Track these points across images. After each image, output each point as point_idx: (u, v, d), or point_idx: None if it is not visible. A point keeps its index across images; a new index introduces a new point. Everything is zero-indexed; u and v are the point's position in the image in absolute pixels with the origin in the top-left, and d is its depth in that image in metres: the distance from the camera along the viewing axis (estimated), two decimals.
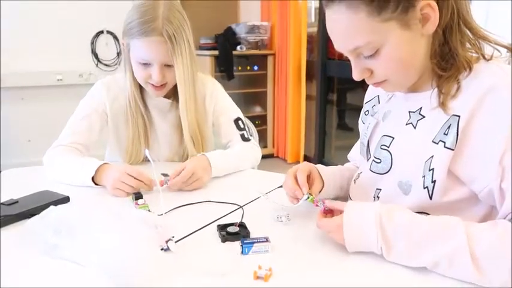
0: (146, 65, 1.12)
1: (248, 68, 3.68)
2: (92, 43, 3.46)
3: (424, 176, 0.72)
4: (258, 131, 1.59)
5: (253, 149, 1.27)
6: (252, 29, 3.61)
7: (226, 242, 0.76)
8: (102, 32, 3.46)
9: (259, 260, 0.69)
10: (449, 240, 0.63)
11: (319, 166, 0.93)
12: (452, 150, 0.67)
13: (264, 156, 1.26)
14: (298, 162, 3.54)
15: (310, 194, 0.82)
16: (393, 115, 0.83)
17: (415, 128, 0.75)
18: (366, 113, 0.92)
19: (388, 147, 0.80)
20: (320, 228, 0.76)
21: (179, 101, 1.18)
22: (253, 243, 0.72)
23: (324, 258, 0.71)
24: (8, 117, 3.31)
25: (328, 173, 0.93)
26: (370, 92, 0.95)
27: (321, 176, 0.90)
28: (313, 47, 3.56)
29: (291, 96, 3.55)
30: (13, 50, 3.21)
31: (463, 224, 0.64)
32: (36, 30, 3.26)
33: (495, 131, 0.64)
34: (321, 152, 3.56)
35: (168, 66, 1.13)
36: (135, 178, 1.00)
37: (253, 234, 0.77)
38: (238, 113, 1.30)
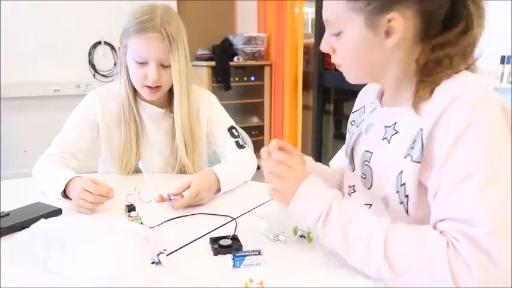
0: (143, 64, 1.13)
1: (245, 78, 3.69)
2: (90, 54, 3.47)
3: (398, 192, 0.72)
4: (254, 142, 1.59)
5: (250, 157, 1.27)
6: (249, 40, 3.64)
7: (219, 255, 0.75)
8: (99, 42, 3.47)
9: (251, 273, 0.68)
10: (373, 221, 0.66)
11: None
12: (419, 163, 0.67)
13: (260, 167, 1.26)
14: None
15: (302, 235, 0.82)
16: (374, 129, 0.83)
17: (389, 142, 0.76)
18: (352, 123, 0.92)
19: (369, 162, 0.80)
20: (268, 167, 0.77)
21: (174, 99, 1.19)
22: (245, 256, 0.71)
23: (317, 272, 0.71)
24: (5, 127, 3.31)
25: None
26: (358, 102, 0.95)
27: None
28: (309, 58, 3.59)
29: (288, 107, 3.56)
30: (11, 61, 3.22)
31: (389, 219, 0.66)
32: (33, 41, 3.27)
33: (446, 140, 0.63)
34: (318, 162, 3.55)
35: (164, 67, 1.14)
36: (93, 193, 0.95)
37: (246, 247, 0.77)
38: (231, 122, 1.31)
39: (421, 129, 0.67)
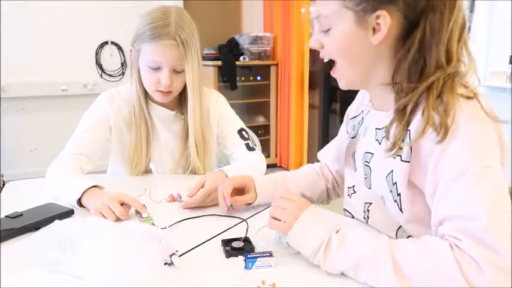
0: (156, 69, 1.13)
1: (251, 78, 3.70)
2: (97, 54, 3.49)
3: (391, 191, 0.75)
4: (261, 141, 1.60)
5: (260, 159, 1.27)
6: (255, 40, 3.64)
7: (230, 257, 0.76)
8: (106, 42, 3.49)
9: (263, 275, 0.68)
10: (373, 241, 0.66)
11: (256, 178, 1.00)
12: (408, 162, 0.70)
13: (267, 166, 1.27)
14: None
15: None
16: (369, 131, 0.85)
17: (379, 144, 0.79)
18: (355, 126, 0.93)
19: (369, 163, 0.83)
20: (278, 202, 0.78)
21: (188, 106, 1.20)
22: (257, 257, 0.72)
23: (329, 274, 0.71)
24: (13, 127, 3.34)
25: (262, 184, 1.00)
26: (357, 107, 0.97)
27: (255, 188, 0.98)
28: (315, 57, 3.58)
29: (294, 106, 3.56)
30: (19, 60, 3.25)
31: (388, 238, 0.68)
32: (41, 41, 3.30)
33: (434, 140, 0.65)
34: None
35: (176, 72, 1.15)
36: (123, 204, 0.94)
37: (258, 248, 0.77)
38: (241, 124, 1.32)
39: (409, 130, 0.70)
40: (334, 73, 0.80)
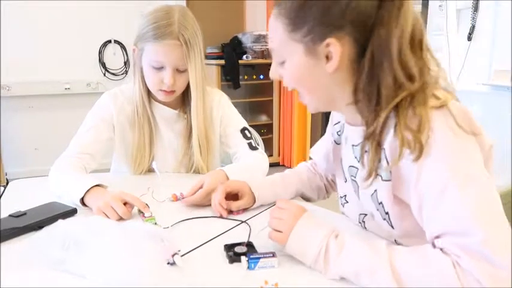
0: (159, 69, 1.13)
1: (254, 77, 3.69)
2: (100, 52, 3.50)
3: (378, 209, 0.75)
4: (263, 140, 1.59)
5: (263, 159, 1.27)
6: (258, 39, 3.63)
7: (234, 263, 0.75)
8: (109, 41, 3.50)
9: (266, 275, 0.68)
10: (371, 250, 0.65)
11: (251, 182, 1.00)
12: (390, 181, 0.70)
13: (269, 165, 1.27)
14: None
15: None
16: (348, 145, 0.84)
17: (358, 162, 0.77)
18: (339, 133, 0.90)
19: (355, 177, 0.82)
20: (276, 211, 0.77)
21: (191, 105, 1.20)
22: (260, 258, 0.72)
23: None
24: (16, 125, 3.35)
25: (258, 185, 1.00)
26: (338, 114, 0.94)
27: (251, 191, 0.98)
28: None
29: (297, 105, 3.55)
30: (22, 59, 3.26)
31: (386, 243, 0.67)
32: (44, 40, 3.31)
33: (410, 156, 0.64)
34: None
35: (179, 71, 1.15)
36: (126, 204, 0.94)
37: (260, 249, 0.77)
38: (244, 123, 1.31)
39: (383, 148, 0.69)
40: (300, 99, 0.80)
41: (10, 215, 0.91)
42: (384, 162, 0.69)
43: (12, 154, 3.30)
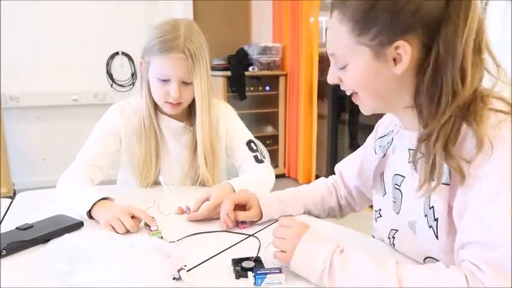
0: (165, 81, 1.15)
1: (260, 88, 3.70)
2: (107, 64, 3.53)
3: (426, 215, 0.72)
4: (269, 151, 1.59)
5: (269, 172, 1.27)
6: (264, 50, 3.65)
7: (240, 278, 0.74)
8: (117, 53, 3.54)
9: None
10: (378, 267, 0.64)
11: (260, 195, 1.00)
12: (449, 185, 0.67)
13: (275, 177, 1.26)
14: (309, 182, 3.51)
15: None
16: (399, 152, 0.82)
17: (415, 165, 0.74)
18: (387, 145, 0.88)
19: (400, 186, 0.80)
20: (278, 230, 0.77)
21: (196, 117, 1.20)
22: (267, 274, 0.71)
23: None
24: (24, 136, 3.38)
25: (266, 202, 0.99)
26: (384, 126, 0.93)
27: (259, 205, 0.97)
28: (324, 67, 3.58)
29: (303, 116, 3.55)
30: (30, 70, 3.30)
31: (395, 261, 0.65)
32: (52, 51, 3.35)
33: (470, 159, 0.62)
34: (333, 172, 3.52)
35: (185, 84, 1.16)
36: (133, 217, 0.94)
37: (268, 264, 0.76)
38: (249, 135, 1.32)
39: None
40: (355, 100, 0.78)
41: (17, 228, 0.91)
42: (445, 165, 0.66)
43: (20, 164, 3.32)
